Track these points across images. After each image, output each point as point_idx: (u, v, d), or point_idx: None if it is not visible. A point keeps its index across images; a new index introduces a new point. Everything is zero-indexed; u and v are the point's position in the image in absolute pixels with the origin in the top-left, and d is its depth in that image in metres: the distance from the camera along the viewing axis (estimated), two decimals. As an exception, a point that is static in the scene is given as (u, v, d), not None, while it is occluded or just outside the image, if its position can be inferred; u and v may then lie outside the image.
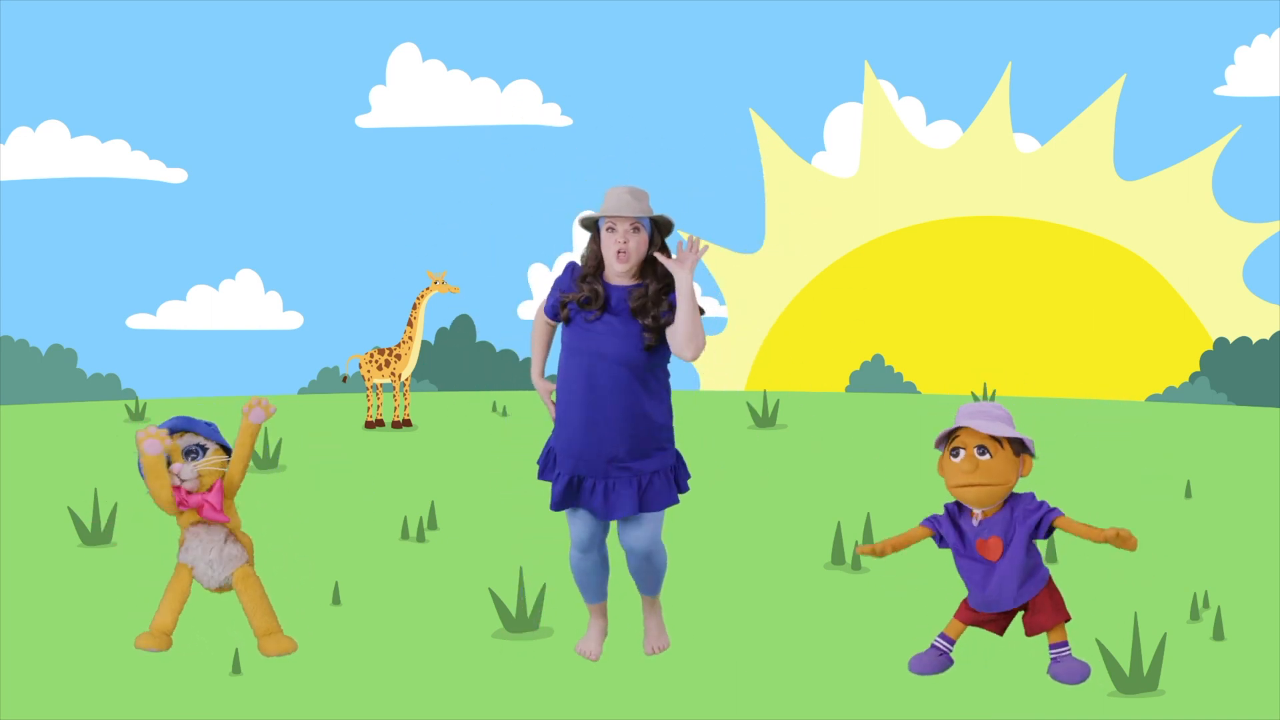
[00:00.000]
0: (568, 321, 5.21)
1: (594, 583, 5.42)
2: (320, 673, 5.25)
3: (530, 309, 16.12)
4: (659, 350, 5.18)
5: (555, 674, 5.24)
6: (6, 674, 5.21)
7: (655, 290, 5.16)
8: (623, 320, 5.15)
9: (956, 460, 5.04)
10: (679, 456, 5.32)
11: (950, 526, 5.18)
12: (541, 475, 5.32)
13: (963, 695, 4.98)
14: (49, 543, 7.63)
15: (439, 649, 5.57)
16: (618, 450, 5.14)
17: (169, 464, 5.49)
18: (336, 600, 6.27)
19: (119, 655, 5.46)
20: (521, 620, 5.78)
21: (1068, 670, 5.06)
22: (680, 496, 5.32)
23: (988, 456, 5.00)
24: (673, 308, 5.14)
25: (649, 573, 5.38)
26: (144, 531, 7.77)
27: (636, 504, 5.17)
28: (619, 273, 5.16)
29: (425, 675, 5.22)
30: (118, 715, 4.77)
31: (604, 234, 5.15)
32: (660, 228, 5.22)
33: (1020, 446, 5.07)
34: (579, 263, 5.29)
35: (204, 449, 5.50)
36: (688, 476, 5.35)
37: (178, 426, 5.51)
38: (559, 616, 5.99)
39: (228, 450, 5.54)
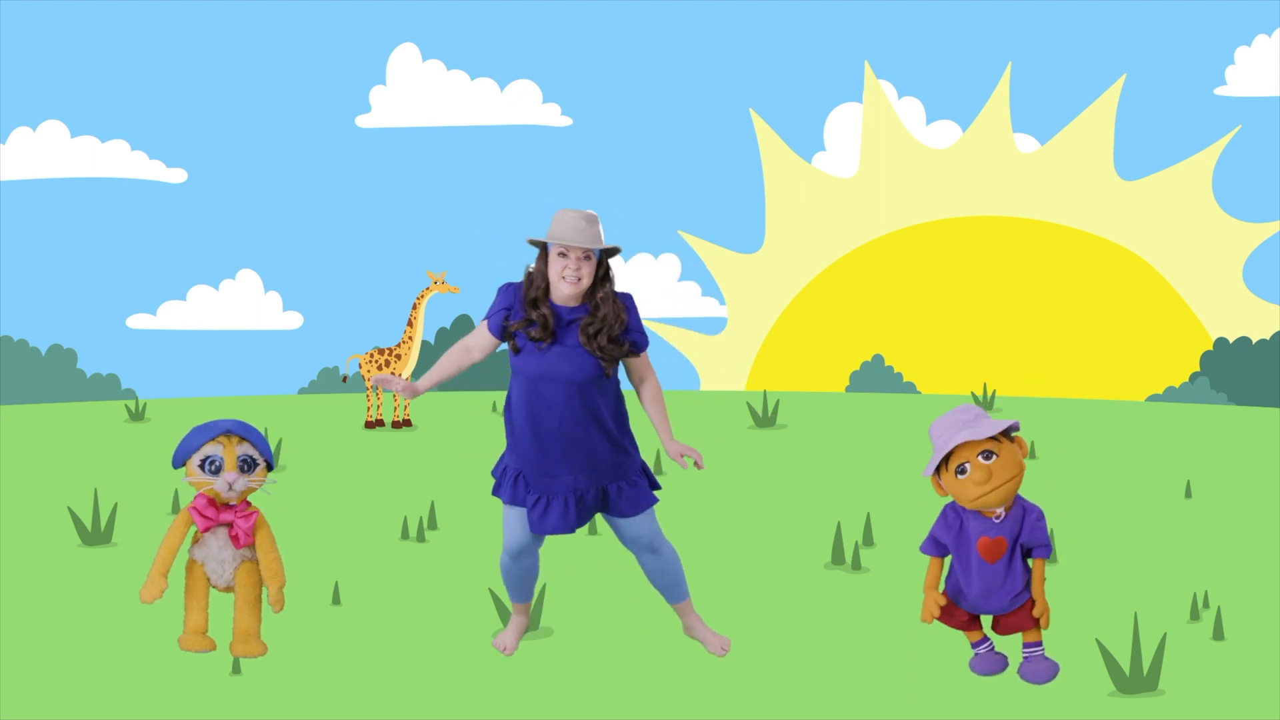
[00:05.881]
0: (517, 351, 5.21)
1: (522, 586, 5.51)
2: (320, 673, 5.25)
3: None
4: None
5: (555, 674, 5.24)
6: (6, 674, 5.21)
7: (606, 319, 5.16)
8: (574, 339, 5.17)
9: (965, 477, 4.96)
10: (644, 464, 5.36)
11: (948, 531, 5.12)
12: (500, 492, 5.33)
13: (963, 695, 4.98)
14: (49, 543, 7.63)
15: (439, 649, 5.57)
16: (580, 466, 5.19)
17: (216, 471, 5.41)
18: (336, 600, 6.27)
19: (119, 655, 5.46)
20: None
21: (1037, 670, 5.06)
22: (663, 495, 5.44)
23: (994, 459, 4.96)
24: (632, 345, 5.20)
25: (665, 573, 5.42)
26: (144, 531, 7.78)
27: (620, 509, 5.25)
28: (566, 295, 5.18)
29: (425, 675, 5.22)
30: (118, 715, 4.77)
31: (554, 257, 5.17)
32: (607, 253, 5.24)
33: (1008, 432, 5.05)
34: (518, 283, 5.28)
35: (256, 464, 5.45)
36: (655, 485, 5.39)
37: (235, 430, 5.43)
38: (559, 616, 6.00)
39: (271, 466, 5.52)
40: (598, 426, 5.19)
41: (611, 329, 5.17)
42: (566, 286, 5.14)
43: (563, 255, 5.15)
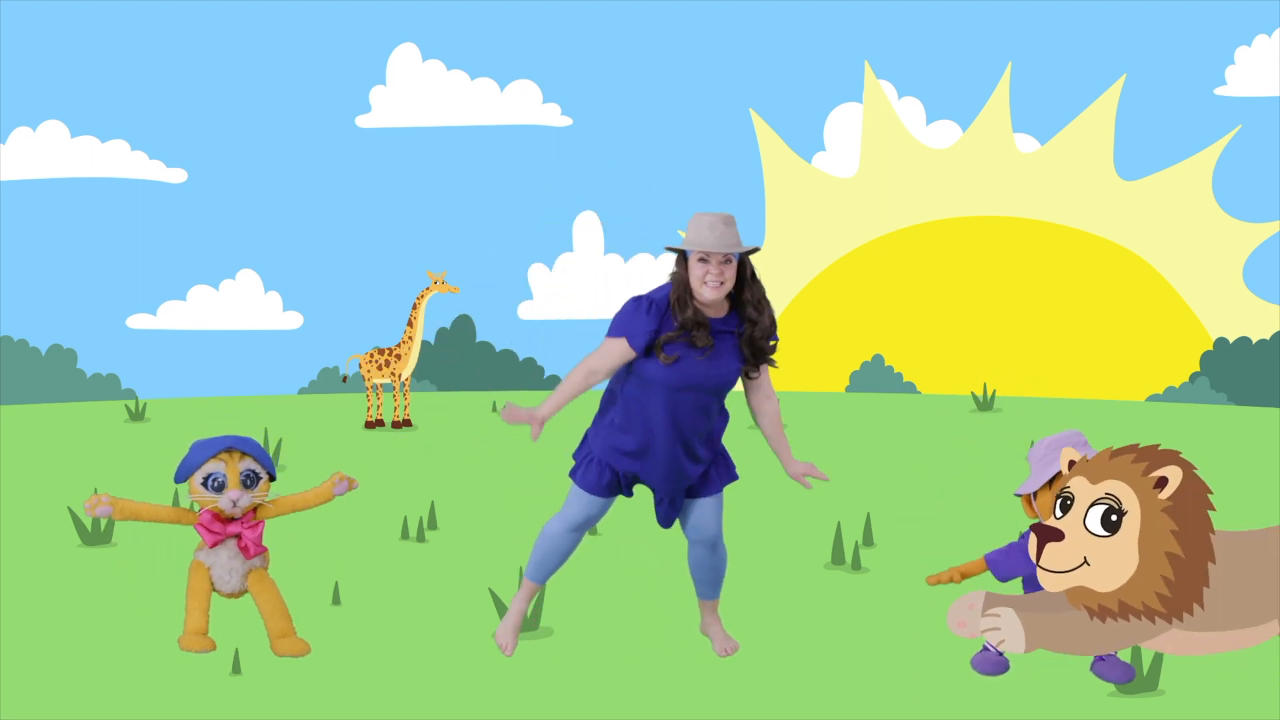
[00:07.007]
0: (669, 361, 5.12)
1: (556, 563, 5.47)
2: (320, 673, 5.25)
3: (531, 309, 16.11)
4: None
5: (555, 674, 5.24)
6: (6, 674, 5.21)
7: (765, 324, 5.21)
8: (717, 348, 5.17)
9: None
10: (723, 449, 5.53)
11: (1024, 559, 5.02)
12: (584, 482, 5.31)
13: (962, 695, 4.98)
14: (49, 543, 7.63)
15: (439, 649, 5.57)
16: (692, 460, 5.32)
17: (219, 489, 5.41)
18: (336, 600, 6.27)
19: (119, 655, 5.46)
20: (522, 620, 5.77)
21: (1112, 670, 5.03)
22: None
23: None
24: (774, 345, 5.27)
25: (715, 568, 5.49)
26: (144, 531, 7.78)
27: (707, 485, 5.41)
28: (709, 301, 5.14)
29: (425, 675, 5.23)
30: (118, 715, 4.77)
31: (694, 263, 5.11)
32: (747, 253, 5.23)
33: None
34: (649, 297, 5.20)
35: (259, 478, 5.46)
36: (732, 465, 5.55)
37: (237, 446, 5.42)
38: (559, 616, 6.00)
39: (273, 478, 5.53)
40: (714, 426, 5.36)
41: (766, 330, 5.21)
42: (709, 292, 5.09)
43: (703, 260, 5.09)
